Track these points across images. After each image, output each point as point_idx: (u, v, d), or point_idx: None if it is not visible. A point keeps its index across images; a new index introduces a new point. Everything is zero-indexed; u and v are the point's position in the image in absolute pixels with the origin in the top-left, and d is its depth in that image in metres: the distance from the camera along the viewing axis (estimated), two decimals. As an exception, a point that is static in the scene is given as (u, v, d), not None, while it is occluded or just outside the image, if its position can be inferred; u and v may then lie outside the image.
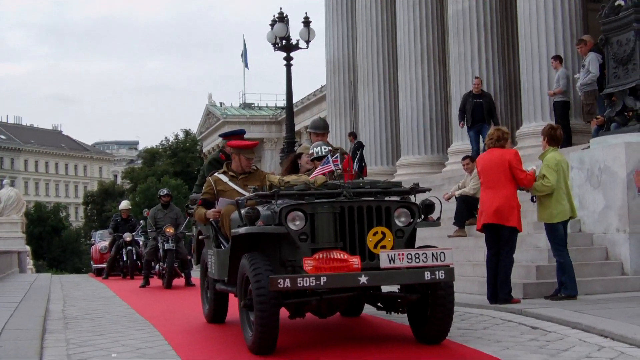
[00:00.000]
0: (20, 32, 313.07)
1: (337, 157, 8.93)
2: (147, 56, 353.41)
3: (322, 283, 7.61)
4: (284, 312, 8.20)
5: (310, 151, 10.01)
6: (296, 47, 28.46)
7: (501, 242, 11.22)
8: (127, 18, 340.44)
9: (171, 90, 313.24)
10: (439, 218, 8.86)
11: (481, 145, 18.41)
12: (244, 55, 71.62)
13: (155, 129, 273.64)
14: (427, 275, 7.85)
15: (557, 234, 11.50)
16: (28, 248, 41.46)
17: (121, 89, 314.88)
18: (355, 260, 7.82)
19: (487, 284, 11.51)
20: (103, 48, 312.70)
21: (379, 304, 8.95)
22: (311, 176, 8.96)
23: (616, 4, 13.59)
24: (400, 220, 8.32)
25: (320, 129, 11.43)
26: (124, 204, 26.32)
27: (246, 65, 72.17)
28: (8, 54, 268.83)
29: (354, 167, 11.47)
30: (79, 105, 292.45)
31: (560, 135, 11.85)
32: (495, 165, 11.23)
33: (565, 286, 11.47)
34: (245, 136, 11.69)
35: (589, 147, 14.29)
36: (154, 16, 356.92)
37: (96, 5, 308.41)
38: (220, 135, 13.06)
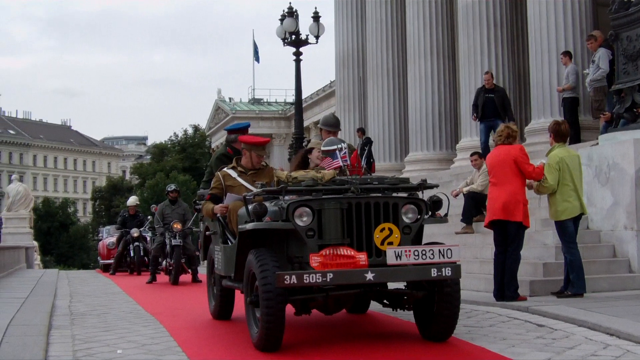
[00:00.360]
0: (23, 25, 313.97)
1: (345, 153, 8.92)
2: (151, 50, 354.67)
3: (328, 279, 7.60)
4: (289, 309, 8.18)
5: (330, 147, 9.78)
6: (306, 42, 28.45)
7: (508, 238, 11.20)
8: (130, 11, 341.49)
9: (177, 85, 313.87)
10: (446, 214, 8.84)
11: (490, 140, 18.35)
12: (255, 50, 71.73)
13: (163, 124, 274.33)
14: (434, 272, 7.84)
15: (566, 231, 11.46)
16: (36, 243, 41.54)
17: (126, 83, 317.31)
18: (362, 257, 7.80)
19: (494, 281, 11.49)
20: (107, 41, 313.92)
21: (385, 301, 8.94)
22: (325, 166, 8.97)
23: (626, -1, 13.55)
24: (408, 216, 8.30)
25: (332, 127, 11.33)
26: (132, 200, 26.33)
27: (257, 59, 72.27)
28: (12, 48, 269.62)
29: (362, 163, 11.43)
30: (85, 98, 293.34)
31: (565, 130, 11.80)
32: (502, 161, 11.21)
33: (572, 284, 11.44)
34: (254, 132, 11.66)
35: (597, 143, 14.23)
36: (158, 9, 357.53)
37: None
38: (225, 129, 13.02)
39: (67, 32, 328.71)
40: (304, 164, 10.46)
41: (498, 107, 19.33)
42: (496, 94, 19.47)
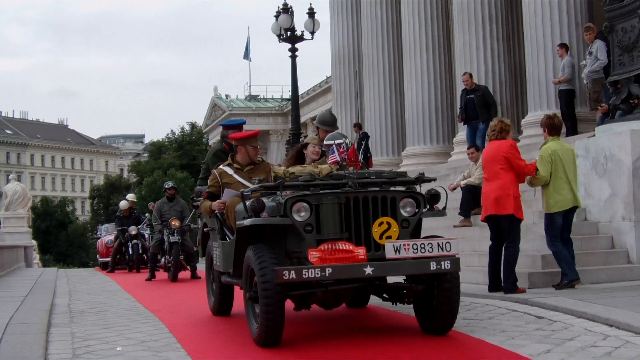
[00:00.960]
0: (19, 27, 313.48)
1: (344, 148, 8.91)
2: (148, 50, 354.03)
3: (327, 274, 7.59)
4: (289, 304, 8.18)
5: (327, 142, 9.76)
6: (301, 38, 28.44)
7: (503, 232, 11.24)
8: (126, 12, 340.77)
9: (174, 84, 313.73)
10: (444, 208, 8.83)
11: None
12: (247, 46, 71.76)
13: (161, 122, 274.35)
14: (433, 266, 7.84)
15: (553, 225, 11.47)
16: (34, 242, 41.50)
17: (123, 83, 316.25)
18: (361, 251, 7.80)
19: (488, 274, 11.55)
20: (103, 42, 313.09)
21: (384, 295, 8.94)
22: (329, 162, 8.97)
23: (621, -10, 13.54)
24: (406, 210, 8.29)
25: (329, 125, 11.09)
26: (123, 204, 25.92)
27: (247, 56, 72.28)
28: (8, 50, 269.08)
29: (359, 158, 11.39)
30: (82, 100, 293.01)
31: (559, 122, 11.82)
32: (493, 157, 11.27)
33: (565, 274, 11.47)
34: (251, 128, 11.65)
35: (594, 135, 14.24)
36: (154, 10, 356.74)
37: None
38: (221, 124, 13.01)
39: (64, 34, 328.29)
40: (299, 159, 10.46)
41: (477, 107, 19.18)
42: (476, 93, 19.32)
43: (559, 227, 11.51)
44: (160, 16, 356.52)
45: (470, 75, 19.76)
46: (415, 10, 24.58)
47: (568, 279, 11.41)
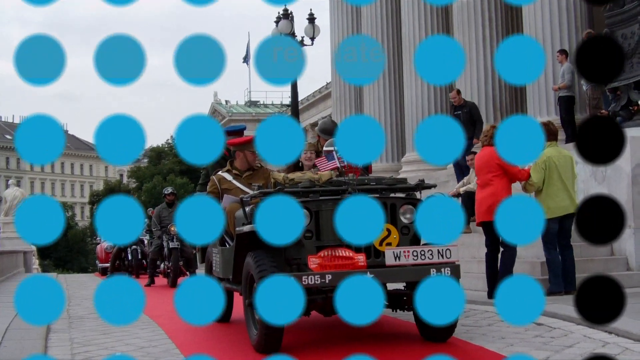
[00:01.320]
0: (19, 29, 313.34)
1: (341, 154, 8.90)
2: (148, 50, 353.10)
3: (327, 281, 7.60)
4: (288, 310, 8.17)
5: (327, 148, 9.76)
6: (301, 44, 28.42)
7: (499, 238, 11.25)
8: (125, 12, 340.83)
9: (173, 88, 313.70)
10: (444, 214, 8.81)
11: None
12: (247, 51, 71.85)
13: (160, 127, 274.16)
14: (433, 273, 7.83)
15: (547, 231, 11.47)
16: (34, 248, 41.38)
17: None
18: (361, 258, 7.81)
19: (486, 281, 11.57)
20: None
21: (384, 302, 8.93)
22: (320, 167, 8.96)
23: (621, -3, 13.56)
24: (406, 217, 8.30)
25: (329, 134, 11.00)
26: None
27: (246, 61, 72.40)
28: (9, 52, 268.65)
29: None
30: (81, 103, 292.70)
31: (555, 128, 11.86)
32: (485, 163, 11.30)
33: (549, 281, 11.49)
34: (252, 134, 11.62)
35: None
36: (152, 13, 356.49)
37: (94, 1, 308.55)
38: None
39: (64, 36, 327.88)
40: (297, 165, 10.46)
41: (463, 124, 18.73)
42: (463, 110, 18.95)
43: (554, 233, 11.52)
44: (159, 19, 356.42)
45: (458, 92, 19.36)
46: (415, 14, 24.52)
47: (551, 289, 11.43)
